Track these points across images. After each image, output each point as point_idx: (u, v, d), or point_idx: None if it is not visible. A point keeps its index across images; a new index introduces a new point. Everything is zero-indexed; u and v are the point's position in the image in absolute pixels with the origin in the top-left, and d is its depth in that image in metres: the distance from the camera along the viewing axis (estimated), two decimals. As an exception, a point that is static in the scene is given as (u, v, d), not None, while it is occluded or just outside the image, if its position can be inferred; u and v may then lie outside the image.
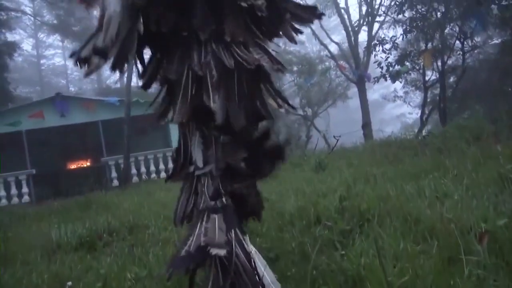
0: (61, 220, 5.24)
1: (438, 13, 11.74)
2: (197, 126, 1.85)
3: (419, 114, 15.92)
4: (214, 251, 1.57)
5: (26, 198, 11.79)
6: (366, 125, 16.45)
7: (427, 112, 14.76)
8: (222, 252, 1.57)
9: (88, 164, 15.31)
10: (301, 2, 2.11)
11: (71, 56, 1.75)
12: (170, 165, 12.76)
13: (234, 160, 1.78)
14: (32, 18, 28.29)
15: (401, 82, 14.90)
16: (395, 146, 7.80)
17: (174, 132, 10.92)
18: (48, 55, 37.86)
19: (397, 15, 12.43)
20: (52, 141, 13.58)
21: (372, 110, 19.33)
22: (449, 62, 13.03)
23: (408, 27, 12.01)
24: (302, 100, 20.97)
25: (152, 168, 12.89)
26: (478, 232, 2.04)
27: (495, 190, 2.91)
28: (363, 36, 18.73)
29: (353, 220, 2.82)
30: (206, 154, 1.81)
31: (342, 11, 18.86)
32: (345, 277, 2.02)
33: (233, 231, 1.69)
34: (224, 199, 1.76)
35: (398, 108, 29.13)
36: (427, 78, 13.59)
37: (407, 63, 12.67)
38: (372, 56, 14.11)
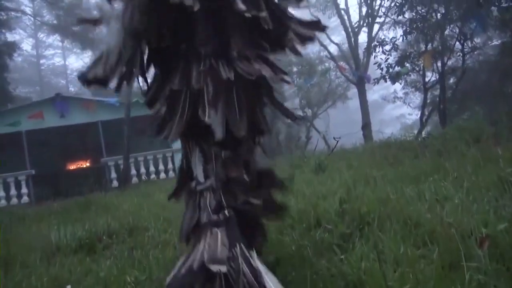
0: (61, 221, 5.22)
1: (438, 15, 11.74)
2: (196, 142, 1.88)
3: (418, 115, 15.94)
4: (214, 267, 1.55)
5: (25, 198, 11.78)
6: (366, 126, 16.46)
7: (426, 113, 14.76)
8: (223, 268, 1.55)
9: (88, 164, 15.31)
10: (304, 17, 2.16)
11: (79, 77, 1.86)
12: (170, 165, 12.89)
13: (235, 172, 1.79)
14: (32, 18, 28.28)
15: (400, 84, 14.89)
16: (395, 147, 7.79)
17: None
18: (48, 55, 37.90)
19: (397, 16, 12.43)
20: (52, 141, 13.57)
21: (372, 111, 19.34)
22: (449, 63, 13.03)
23: (408, 28, 12.01)
24: (302, 101, 20.98)
25: (152, 168, 12.89)
26: (479, 237, 2.04)
27: (495, 193, 2.90)
28: (363, 37, 18.76)
29: (353, 223, 2.81)
30: (207, 168, 1.84)
31: (342, 12, 18.87)
32: (346, 282, 2.02)
33: (238, 246, 1.67)
34: (226, 212, 1.75)
35: (397, 109, 29.16)
36: (427, 79, 13.59)
37: (407, 64, 12.67)
38: (372, 57, 14.11)
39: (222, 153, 1.82)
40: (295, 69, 20.35)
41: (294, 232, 2.95)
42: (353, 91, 19.74)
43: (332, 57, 18.67)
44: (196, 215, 1.84)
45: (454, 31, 12.10)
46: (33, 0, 26.59)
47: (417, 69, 13.39)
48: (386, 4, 14.70)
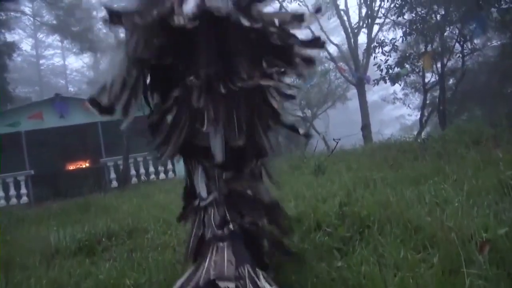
0: (60, 223, 5.22)
1: (438, 16, 11.75)
2: (198, 160, 1.94)
3: (418, 116, 15.94)
4: (223, 284, 1.56)
5: (24, 199, 11.77)
6: (366, 127, 16.47)
7: (426, 114, 14.77)
8: (232, 285, 1.56)
9: (87, 165, 15.30)
10: (302, 9, 2.12)
11: (89, 101, 1.93)
12: (169, 166, 12.88)
13: (238, 186, 1.83)
14: (31, 18, 28.27)
15: (400, 85, 14.90)
16: (395, 149, 7.79)
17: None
18: (47, 55, 37.89)
19: (397, 18, 12.43)
20: (51, 142, 13.57)
21: (372, 111, 19.35)
22: (449, 64, 13.04)
23: (407, 29, 12.02)
24: (302, 101, 20.97)
25: (151, 169, 12.88)
26: (479, 241, 2.04)
27: (495, 197, 2.90)
28: (362, 38, 18.77)
29: (353, 226, 2.81)
30: (209, 185, 1.88)
31: (342, 12, 18.88)
32: (346, 286, 2.02)
33: (244, 265, 1.68)
34: (231, 226, 1.77)
35: (397, 110, 29.16)
36: (426, 80, 13.59)
37: (407, 66, 12.67)
38: (372, 58, 14.12)
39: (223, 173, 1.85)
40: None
41: (294, 235, 2.95)
42: (353, 91, 19.75)
43: (331, 58, 18.66)
44: (201, 231, 1.86)
45: (454, 32, 12.11)
46: (33, 0, 26.57)
47: (417, 70, 13.39)
48: (386, 5, 14.71)
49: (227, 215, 1.81)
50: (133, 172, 12.61)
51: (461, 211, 2.65)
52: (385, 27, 16.79)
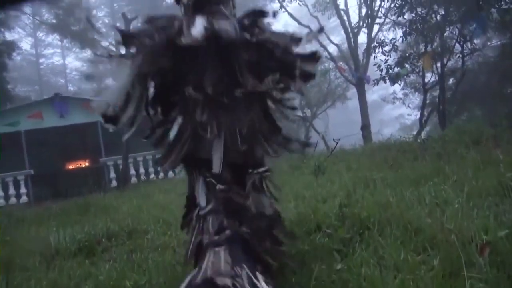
0: (60, 223, 5.22)
1: (438, 16, 11.74)
2: (200, 171, 2.04)
3: (417, 116, 15.94)
4: (220, 280, 1.62)
5: (24, 198, 11.76)
6: (365, 127, 16.46)
7: (426, 114, 14.77)
8: (228, 281, 1.61)
9: (87, 164, 15.28)
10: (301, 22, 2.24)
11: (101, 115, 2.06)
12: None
13: (236, 196, 1.94)
14: (31, 17, 28.21)
15: (400, 85, 14.89)
16: (395, 149, 7.79)
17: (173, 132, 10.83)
18: (47, 54, 37.81)
19: (397, 17, 12.42)
20: (51, 141, 13.55)
21: (371, 111, 19.34)
22: (449, 64, 13.04)
23: (408, 29, 12.01)
24: (301, 101, 20.96)
25: (151, 169, 12.87)
26: (479, 244, 2.03)
27: (495, 198, 2.90)
28: (362, 38, 18.75)
29: (353, 228, 2.81)
30: (209, 194, 1.97)
31: (342, 12, 18.85)
32: (346, 289, 2.02)
33: (241, 266, 1.73)
34: (228, 232, 1.83)
35: (397, 109, 29.15)
36: (426, 80, 13.59)
37: (407, 65, 12.66)
38: (372, 58, 14.11)
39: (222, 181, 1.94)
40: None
41: (295, 240, 2.94)
42: (353, 91, 19.73)
43: (331, 58, 18.65)
44: (199, 238, 1.94)
45: (454, 32, 12.10)
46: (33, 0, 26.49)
47: (417, 70, 13.38)
48: (386, 5, 14.69)
49: (225, 222, 1.87)
50: (132, 171, 12.60)
51: (461, 212, 2.65)
52: (385, 27, 16.80)
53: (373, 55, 13.40)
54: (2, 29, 19.24)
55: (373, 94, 26.66)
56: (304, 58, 2.14)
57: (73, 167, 15.40)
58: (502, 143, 5.66)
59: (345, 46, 19.72)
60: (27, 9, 26.08)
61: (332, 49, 20.16)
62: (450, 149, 6.04)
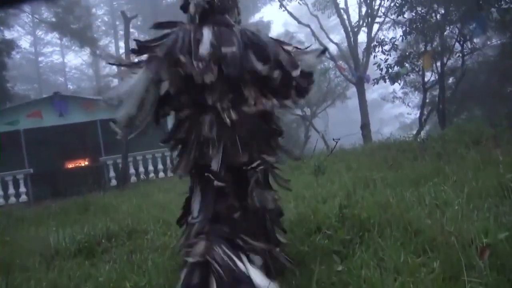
0: (59, 223, 5.21)
1: (438, 15, 11.72)
2: (198, 182, 2.21)
3: (417, 115, 15.93)
4: (190, 259, 1.84)
5: (23, 197, 11.75)
6: (365, 126, 16.45)
7: (426, 113, 14.77)
8: (200, 258, 1.82)
9: (86, 163, 15.26)
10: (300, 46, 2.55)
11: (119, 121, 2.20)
12: (169, 165, 12.87)
13: (223, 208, 2.07)
14: (30, 15, 28.13)
15: (400, 84, 14.88)
16: (394, 148, 7.80)
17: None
18: (46, 52, 37.70)
19: (397, 17, 12.40)
20: (50, 140, 13.50)
21: (371, 109, 19.33)
22: (449, 63, 13.02)
23: (407, 28, 11.99)
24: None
25: (151, 168, 12.87)
26: (479, 246, 2.03)
27: (495, 199, 2.90)
28: (362, 37, 18.73)
29: (353, 229, 2.81)
30: (202, 206, 2.13)
31: (342, 11, 18.82)
32: (346, 291, 2.02)
33: (221, 246, 1.91)
34: (208, 228, 2.02)
35: (396, 108, 29.11)
36: (426, 80, 13.58)
37: (407, 65, 12.65)
38: (372, 57, 14.10)
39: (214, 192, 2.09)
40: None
41: (294, 236, 2.95)
42: (352, 90, 19.72)
43: (331, 57, 18.63)
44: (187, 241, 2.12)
45: (454, 32, 12.09)
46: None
47: (417, 69, 13.38)
48: (386, 4, 14.66)
49: (207, 226, 2.03)
50: (132, 170, 12.59)
51: (461, 214, 2.65)
52: (385, 26, 16.77)
53: (373, 54, 13.38)
54: (1, 28, 19.20)
55: (373, 93, 26.65)
56: (302, 74, 2.33)
57: (73, 166, 15.38)
58: (502, 143, 5.66)
59: (345, 45, 19.70)
60: (26, 7, 26.03)
61: (332, 48, 20.14)
62: (450, 149, 6.04)
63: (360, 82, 17.23)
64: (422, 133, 13.19)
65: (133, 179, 12.39)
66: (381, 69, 12.62)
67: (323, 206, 3.63)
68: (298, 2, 18.72)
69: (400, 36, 12.50)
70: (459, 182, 3.79)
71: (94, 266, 3.12)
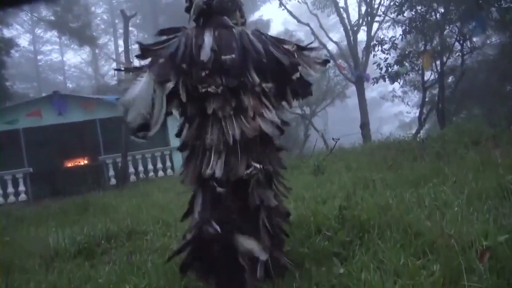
0: (59, 223, 5.22)
1: (438, 14, 11.70)
2: (201, 186, 2.32)
3: (417, 114, 15.92)
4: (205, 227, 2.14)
5: (23, 196, 11.73)
6: (364, 125, 16.45)
7: (425, 112, 14.77)
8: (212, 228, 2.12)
9: (86, 162, 15.25)
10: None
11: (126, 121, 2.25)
12: (168, 164, 12.86)
13: (221, 210, 2.21)
14: (29, 14, 28.04)
15: (399, 83, 14.86)
16: (394, 148, 7.79)
17: (172, 131, 10.81)
18: (45, 50, 37.57)
19: (397, 16, 12.38)
20: (50, 139, 13.50)
21: (370, 108, 19.34)
22: (448, 62, 13.01)
23: (407, 27, 11.97)
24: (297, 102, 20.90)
25: (150, 167, 12.85)
26: (479, 249, 2.03)
27: (495, 201, 2.90)
28: (362, 36, 18.71)
29: (353, 231, 2.81)
30: (202, 211, 2.28)
31: (341, 10, 18.79)
32: (346, 294, 2.02)
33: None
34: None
35: (396, 107, 29.05)
36: (426, 79, 13.57)
37: (406, 64, 12.63)
38: (371, 56, 14.08)
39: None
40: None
41: (294, 238, 2.95)
42: (352, 88, 19.70)
43: (331, 56, 18.62)
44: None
45: (454, 31, 12.07)
46: (31, -2, 26.28)
47: (416, 68, 13.36)
48: (386, 3, 14.64)
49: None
50: (131, 169, 12.57)
51: (461, 215, 2.65)
52: (384, 25, 16.75)
53: (373, 53, 13.37)
54: (0, 26, 19.13)
55: (372, 91, 26.61)
56: (299, 81, 2.48)
57: (72, 165, 15.36)
58: (502, 143, 5.66)
59: (344, 43, 19.69)
60: (25, 6, 25.91)
61: (332, 46, 20.14)
62: (449, 149, 6.04)
63: (359, 81, 17.22)
64: (422, 132, 13.21)
65: (133, 178, 12.38)
66: (381, 68, 12.61)
67: (323, 207, 3.63)
68: (298, 1, 18.70)
69: (400, 35, 12.48)
70: (458, 183, 3.79)
71: (93, 267, 3.12)
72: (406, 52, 12.84)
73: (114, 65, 33.26)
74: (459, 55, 12.46)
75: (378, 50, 12.87)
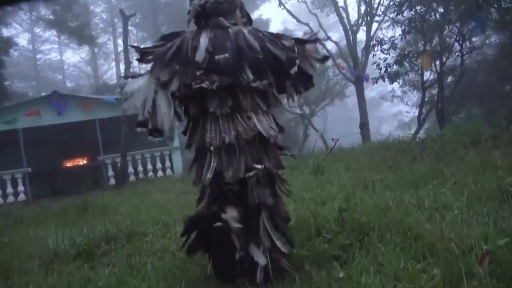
0: (58, 224, 5.21)
1: (437, 14, 11.70)
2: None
3: (416, 113, 15.91)
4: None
5: (22, 196, 11.71)
6: (364, 125, 16.44)
7: (424, 112, 14.76)
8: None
9: (85, 162, 15.21)
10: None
11: (137, 125, 2.44)
12: (168, 164, 12.85)
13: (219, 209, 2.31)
14: (28, 13, 27.94)
15: (399, 83, 14.86)
16: (393, 148, 7.79)
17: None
18: (44, 49, 37.44)
19: (396, 16, 12.37)
20: (49, 139, 13.47)
21: (370, 108, 19.31)
22: (448, 62, 13.01)
23: (407, 27, 11.96)
24: (300, 99, 20.90)
25: (149, 167, 12.84)
26: (479, 253, 2.03)
27: (495, 204, 2.90)
28: (361, 35, 18.69)
29: (353, 233, 2.81)
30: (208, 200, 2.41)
31: (341, 9, 18.77)
32: (346, 298, 2.02)
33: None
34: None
35: (395, 106, 29.02)
36: (425, 79, 13.57)
37: (406, 64, 12.63)
38: (371, 56, 14.07)
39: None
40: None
41: (294, 240, 2.94)
42: (351, 88, 19.66)
43: (330, 55, 18.60)
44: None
45: (453, 31, 12.07)
46: (30, -2, 26.24)
47: (416, 68, 13.35)
48: (385, 3, 14.62)
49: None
50: (131, 169, 12.56)
51: (461, 218, 2.65)
52: (384, 25, 16.74)
53: (372, 53, 13.36)
54: (-1, 26, 19.06)
55: (371, 91, 26.59)
56: (301, 75, 2.52)
57: (71, 165, 15.32)
58: (501, 144, 5.66)
59: (343, 43, 19.65)
60: (24, 4, 25.83)
61: (331, 46, 20.10)
62: (448, 150, 6.03)
63: (359, 81, 17.20)
64: (421, 132, 13.21)
65: (132, 178, 12.36)
66: (380, 69, 12.60)
67: (323, 209, 3.62)
68: (297, 0, 18.67)
69: (399, 35, 12.47)
70: (458, 184, 3.80)
71: (93, 269, 3.11)
72: (406, 52, 12.83)
73: (113, 64, 33.23)
74: (458, 55, 12.45)
75: (377, 50, 12.87)
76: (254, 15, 29.85)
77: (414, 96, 19.47)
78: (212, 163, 2.30)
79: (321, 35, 19.33)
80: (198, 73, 2.29)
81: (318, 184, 5.33)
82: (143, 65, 2.59)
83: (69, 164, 15.35)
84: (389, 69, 12.48)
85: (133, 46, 2.56)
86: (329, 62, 19.38)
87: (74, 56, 36.73)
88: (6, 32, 20.94)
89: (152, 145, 12.64)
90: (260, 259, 2.29)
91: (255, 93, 2.39)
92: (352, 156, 8.26)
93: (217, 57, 2.31)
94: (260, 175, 2.33)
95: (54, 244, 3.77)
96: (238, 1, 2.61)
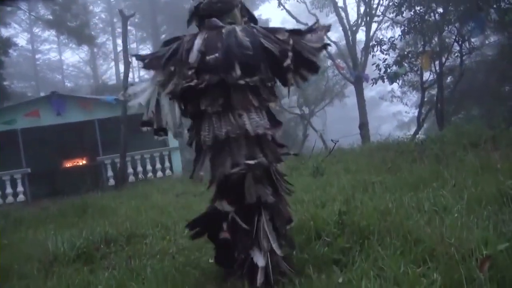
0: (57, 225, 5.21)
1: (437, 15, 11.71)
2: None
3: (415, 113, 15.93)
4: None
5: (21, 197, 11.70)
6: (363, 126, 16.44)
7: (424, 112, 14.78)
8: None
9: (84, 163, 15.21)
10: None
11: (141, 124, 2.56)
12: (167, 164, 12.84)
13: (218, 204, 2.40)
14: (27, 13, 27.90)
15: (398, 83, 14.87)
16: (393, 149, 7.78)
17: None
18: (43, 49, 37.41)
19: (396, 16, 12.38)
20: (48, 140, 13.47)
21: (369, 108, 19.32)
22: (447, 63, 13.02)
23: (406, 28, 11.98)
24: (299, 99, 20.92)
25: (149, 167, 12.83)
26: (480, 258, 2.03)
27: (494, 207, 2.90)
28: (361, 36, 18.69)
29: (352, 237, 2.80)
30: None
31: (340, 10, 18.77)
32: (346, 303, 2.01)
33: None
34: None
35: (394, 106, 29.06)
36: (424, 79, 13.58)
37: (405, 64, 12.64)
38: (370, 56, 14.07)
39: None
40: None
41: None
42: (351, 88, 19.68)
43: (329, 55, 18.60)
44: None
45: (453, 31, 12.08)
46: (29, -2, 26.20)
47: (415, 69, 13.37)
48: (385, 3, 14.62)
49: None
50: (130, 170, 12.55)
51: (461, 222, 2.65)
52: (383, 25, 16.74)
53: (372, 53, 13.36)
54: (-2, 26, 19.04)
55: (371, 91, 26.60)
56: (306, 62, 2.50)
57: (70, 165, 15.32)
58: (501, 146, 5.66)
59: (343, 43, 19.65)
60: (23, 4, 25.80)
61: (330, 46, 20.08)
62: (448, 151, 6.03)
63: (358, 81, 17.20)
64: (420, 133, 13.23)
65: (131, 178, 12.35)
66: (379, 69, 12.61)
67: (322, 211, 3.62)
68: (297, 0, 18.66)
69: (399, 35, 12.49)
70: (457, 187, 3.79)
71: (93, 272, 3.11)
72: (405, 53, 12.85)
73: (112, 64, 33.21)
74: (458, 55, 12.48)
75: (377, 50, 12.87)
76: (254, 15, 29.90)
77: (414, 97, 19.52)
78: (205, 161, 2.39)
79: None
80: (189, 73, 2.36)
81: (317, 186, 5.32)
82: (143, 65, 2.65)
83: (68, 164, 15.35)
84: (388, 70, 12.49)
85: (135, 55, 2.70)
86: (329, 62, 19.44)
87: (73, 56, 36.75)
88: (5, 32, 20.97)
89: (152, 146, 12.66)
90: (260, 260, 2.28)
91: (248, 90, 2.38)
92: (352, 157, 8.25)
93: (207, 57, 2.35)
94: (255, 171, 2.34)
95: (54, 246, 3.76)
96: (236, 1, 2.60)
